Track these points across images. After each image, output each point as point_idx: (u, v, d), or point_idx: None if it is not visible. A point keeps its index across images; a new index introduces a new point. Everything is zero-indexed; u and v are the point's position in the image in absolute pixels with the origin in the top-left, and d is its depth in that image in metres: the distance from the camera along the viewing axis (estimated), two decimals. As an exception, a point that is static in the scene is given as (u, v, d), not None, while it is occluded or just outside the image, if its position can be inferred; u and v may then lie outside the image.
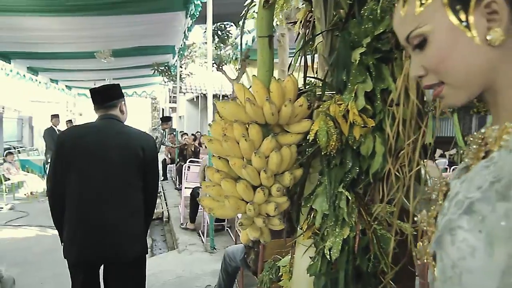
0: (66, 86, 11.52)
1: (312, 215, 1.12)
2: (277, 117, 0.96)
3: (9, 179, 6.49)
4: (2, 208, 5.85)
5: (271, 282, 1.58)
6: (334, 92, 1.08)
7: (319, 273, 0.99)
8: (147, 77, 11.97)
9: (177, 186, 7.54)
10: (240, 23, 2.20)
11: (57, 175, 1.75)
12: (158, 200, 6.94)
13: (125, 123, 1.99)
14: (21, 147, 11.71)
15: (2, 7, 4.87)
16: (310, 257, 1.03)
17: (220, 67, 9.11)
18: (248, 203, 0.95)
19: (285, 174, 0.99)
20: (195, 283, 3.20)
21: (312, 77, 1.19)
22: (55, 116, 7.52)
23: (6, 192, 6.60)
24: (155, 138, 6.96)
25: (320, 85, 1.15)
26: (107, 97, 1.91)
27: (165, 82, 10.76)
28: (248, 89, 1.00)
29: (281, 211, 1.02)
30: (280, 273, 1.50)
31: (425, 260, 0.52)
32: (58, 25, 5.69)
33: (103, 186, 1.73)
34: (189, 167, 5.20)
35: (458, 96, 0.47)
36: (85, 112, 15.49)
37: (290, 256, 1.36)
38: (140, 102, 20.26)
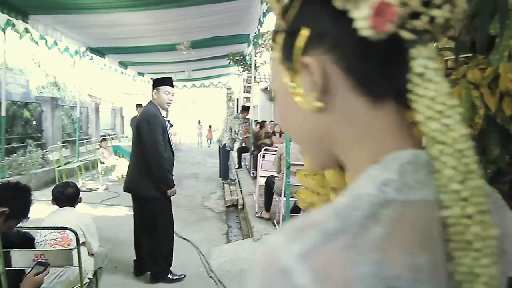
0: (151, 78, 12.44)
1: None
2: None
3: (103, 163, 7.22)
4: (98, 188, 6.52)
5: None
6: (470, 54, 0.80)
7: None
8: (223, 68, 12.27)
9: (252, 175, 7.59)
10: None
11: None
12: (233, 188, 7.12)
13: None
14: (114, 135, 13.06)
15: (98, 5, 5.31)
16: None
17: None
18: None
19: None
20: (271, 274, 3.09)
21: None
22: (139, 106, 8.12)
23: (101, 174, 7.36)
24: (230, 130, 7.08)
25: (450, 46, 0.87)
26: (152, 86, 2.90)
27: (240, 72, 10.87)
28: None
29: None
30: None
31: None
32: (143, 19, 6.03)
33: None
34: (264, 155, 5.11)
35: (310, 160, 0.43)
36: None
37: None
38: (216, 92, 21.08)
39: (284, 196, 3.77)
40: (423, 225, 0.31)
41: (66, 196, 2.19)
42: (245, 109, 7.56)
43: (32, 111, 7.94)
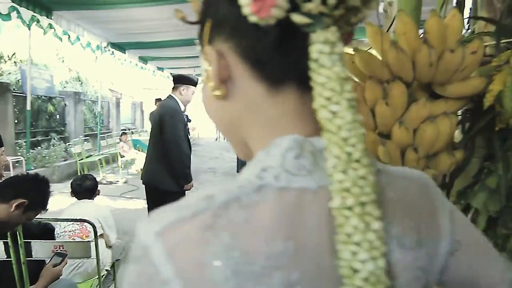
0: (170, 73, 12.55)
1: (469, 217, 0.79)
2: (434, 71, 0.65)
3: (123, 156, 7.33)
4: (118, 181, 6.63)
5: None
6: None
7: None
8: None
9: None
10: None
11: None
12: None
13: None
14: (134, 129, 13.28)
15: (119, 0, 5.36)
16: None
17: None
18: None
19: (442, 156, 0.68)
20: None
21: (477, 18, 0.83)
22: (158, 100, 8.20)
23: (121, 167, 7.48)
24: None
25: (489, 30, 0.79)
26: (173, 81, 2.92)
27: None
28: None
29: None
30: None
31: None
32: (163, 14, 6.04)
33: None
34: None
35: (233, 148, 0.42)
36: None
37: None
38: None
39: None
40: (294, 213, 0.30)
41: (84, 188, 2.21)
42: None
43: (56, 106, 8.14)
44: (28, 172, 1.62)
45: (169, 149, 2.69)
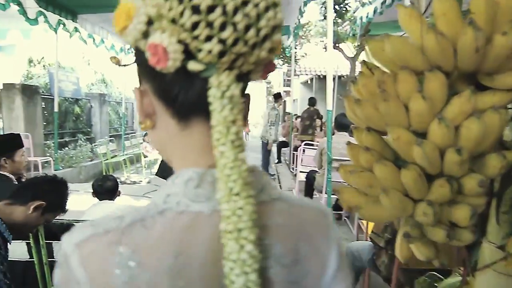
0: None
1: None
2: (481, 58, 0.55)
3: (146, 157, 7.43)
4: (141, 181, 6.72)
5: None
6: None
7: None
8: (262, 61, 12.18)
9: (291, 170, 7.44)
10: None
11: None
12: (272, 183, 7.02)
13: None
14: (157, 129, 13.50)
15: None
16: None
17: (337, 45, 8.48)
18: (421, 202, 0.58)
19: (490, 157, 0.58)
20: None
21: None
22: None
23: (145, 167, 7.60)
24: (271, 124, 6.95)
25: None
26: None
27: (280, 65, 10.70)
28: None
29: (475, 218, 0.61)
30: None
31: None
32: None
33: None
34: (304, 150, 4.93)
35: None
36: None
37: (461, 282, 0.93)
38: (255, 86, 21.03)
39: (326, 193, 3.59)
40: (188, 233, 0.36)
41: (105, 189, 2.21)
42: (278, 96, 7.36)
43: (82, 107, 8.37)
44: (46, 174, 1.61)
45: None
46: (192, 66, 0.34)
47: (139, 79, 0.42)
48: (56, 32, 5.76)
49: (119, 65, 0.42)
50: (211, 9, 0.32)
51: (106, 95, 9.41)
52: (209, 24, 0.32)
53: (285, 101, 21.28)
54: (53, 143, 6.50)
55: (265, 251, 0.37)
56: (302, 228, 0.42)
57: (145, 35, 0.35)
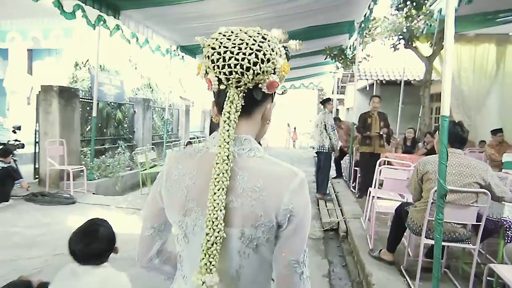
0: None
1: None
2: None
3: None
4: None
5: None
6: None
7: None
8: (316, 66, 11.10)
9: (354, 190, 6.25)
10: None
11: None
12: (330, 205, 5.92)
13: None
14: (202, 137, 12.97)
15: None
16: None
17: (410, 43, 7.19)
18: None
19: None
20: None
21: None
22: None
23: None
24: (324, 128, 5.82)
25: None
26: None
27: (337, 68, 9.56)
28: None
29: None
30: None
31: None
32: (231, 6, 5.31)
33: None
34: (380, 170, 3.79)
35: None
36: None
37: None
38: (306, 94, 19.92)
39: (428, 237, 2.46)
40: (206, 160, 0.75)
41: (89, 255, 1.31)
42: (326, 100, 6.16)
43: (125, 112, 7.96)
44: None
45: None
46: (220, 87, 0.73)
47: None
48: (94, 29, 5.20)
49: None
50: (218, 60, 0.70)
51: (150, 100, 8.96)
52: (218, 67, 0.70)
53: (338, 109, 19.89)
54: (89, 149, 6.01)
55: (235, 176, 0.71)
56: (268, 173, 0.73)
57: (205, 75, 0.75)
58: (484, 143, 7.78)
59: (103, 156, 6.41)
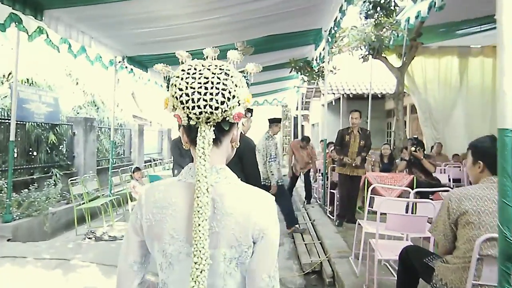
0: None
1: None
2: None
3: (135, 199, 5.62)
4: (123, 236, 4.85)
5: None
6: None
7: None
8: (280, 81, 10.54)
9: (332, 216, 5.49)
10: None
11: None
12: (307, 238, 4.97)
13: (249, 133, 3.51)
14: (160, 159, 11.76)
15: None
16: None
17: (380, 53, 6.74)
18: None
19: None
20: None
21: None
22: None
23: (130, 212, 5.75)
24: (267, 157, 4.71)
25: None
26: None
27: (303, 82, 8.99)
28: None
29: None
30: None
31: None
32: (182, 5, 4.47)
33: None
34: (372, 196, 3.02)
35: None
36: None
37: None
38: (270, 110, 19.36)
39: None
40: (185, 190, 0.81)
41: None
42: (275, 121, 5.00)
43: (61, 135, 6.70)
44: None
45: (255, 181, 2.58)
46: (192, 122, 0.77)
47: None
48: (3, 31, 4.04)
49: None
50: (188, 101, 0.75)
51: (95, 120, 7.75)
52: (188, 108, 0.75)
53: (303, 125, 19.49)
54: (6, 182, 4.75)
55: (214, 203, 0.77)
56: (242, 197, 0.80)
57: (173, 110, 0.79)
58: (458, 156, 7.45)
59: (27, 189, 5.13)
